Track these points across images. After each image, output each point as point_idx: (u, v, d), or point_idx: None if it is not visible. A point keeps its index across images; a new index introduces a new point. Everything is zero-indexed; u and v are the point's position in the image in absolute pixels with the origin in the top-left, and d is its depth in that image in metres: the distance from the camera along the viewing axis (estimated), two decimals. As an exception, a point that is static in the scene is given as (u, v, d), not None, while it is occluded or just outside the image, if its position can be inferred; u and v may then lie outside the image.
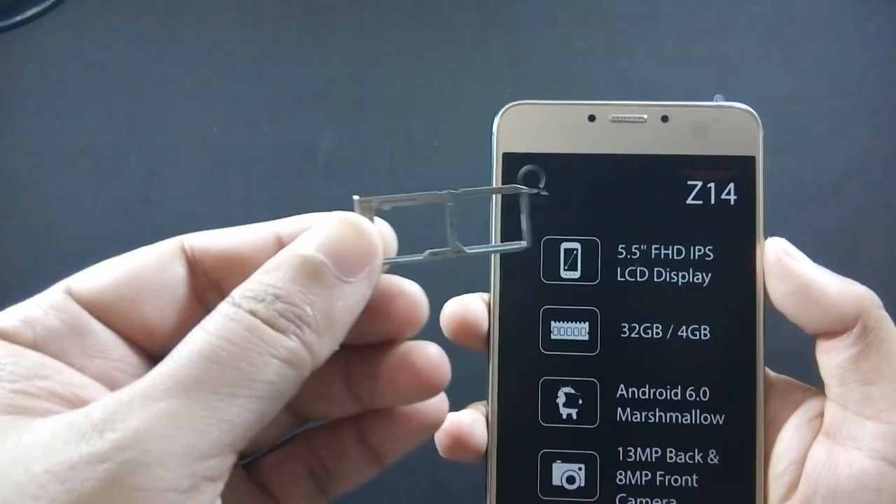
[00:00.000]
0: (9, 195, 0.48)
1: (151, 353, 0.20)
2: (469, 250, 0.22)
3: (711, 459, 0.24)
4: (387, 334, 0.22)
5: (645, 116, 0.25)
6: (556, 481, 0.24)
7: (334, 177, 0.47)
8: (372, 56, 0.51)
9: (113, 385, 0.19)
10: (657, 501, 0.24)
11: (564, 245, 0.25)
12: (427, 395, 0.22)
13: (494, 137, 0.25)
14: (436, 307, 0.24)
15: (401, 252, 0.22)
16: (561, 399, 0.25)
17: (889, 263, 0.40)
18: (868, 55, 0.44)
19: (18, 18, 0.55)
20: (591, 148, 0.25)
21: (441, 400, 0.23)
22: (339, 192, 0.46)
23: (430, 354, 0.22)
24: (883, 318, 0.23)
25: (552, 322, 0.25)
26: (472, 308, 0.26)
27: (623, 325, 0.25)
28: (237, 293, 0.18)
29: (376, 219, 0.21)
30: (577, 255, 0.25)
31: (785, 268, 0.24)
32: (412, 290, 0.22)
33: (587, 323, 0.25)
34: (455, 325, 0.26)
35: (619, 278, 0.25)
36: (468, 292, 0.26)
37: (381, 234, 0.21)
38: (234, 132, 0.50)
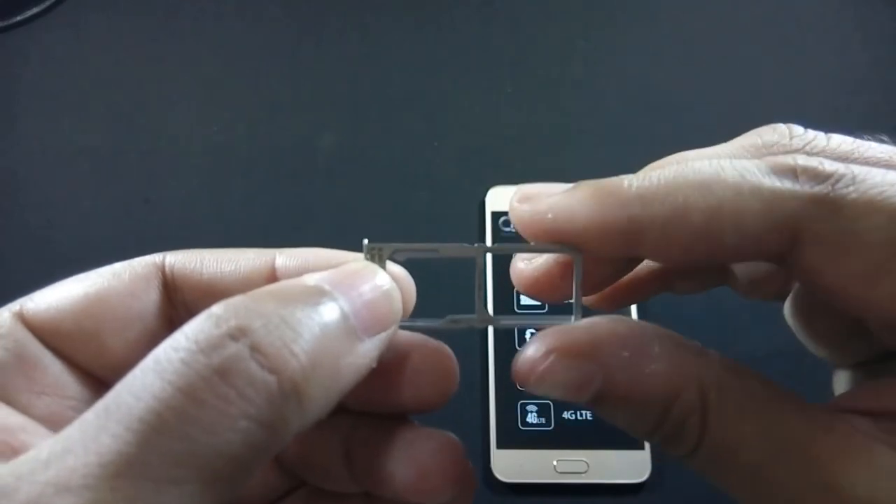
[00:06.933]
0: (9, 195, 0.48)
1: None
2: (502, 321, 0.19)
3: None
4: (401, 406, 0.18)
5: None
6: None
7: (334, 177, 0.47)
8: (372, 56, 0.51)
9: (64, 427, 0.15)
10: None
11: None
12: (434, 498, 0.18)
13: (486, 204, 0.44)
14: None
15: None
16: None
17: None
18: (868, 55, 0.44)
19: (18, 18, 0.55)
20: None
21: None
22: (339, 193, 0.45)
23: (444, 445, 0.17)
24: None
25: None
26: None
27: None
28: (218, 309, 0.14)
29: (395, 266, 0.18)
30: None
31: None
32: (439, 352, 0.18)
33: None
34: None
35: None
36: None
37: (403, 286, 0.17)
38: (234, 132, 0.50)
